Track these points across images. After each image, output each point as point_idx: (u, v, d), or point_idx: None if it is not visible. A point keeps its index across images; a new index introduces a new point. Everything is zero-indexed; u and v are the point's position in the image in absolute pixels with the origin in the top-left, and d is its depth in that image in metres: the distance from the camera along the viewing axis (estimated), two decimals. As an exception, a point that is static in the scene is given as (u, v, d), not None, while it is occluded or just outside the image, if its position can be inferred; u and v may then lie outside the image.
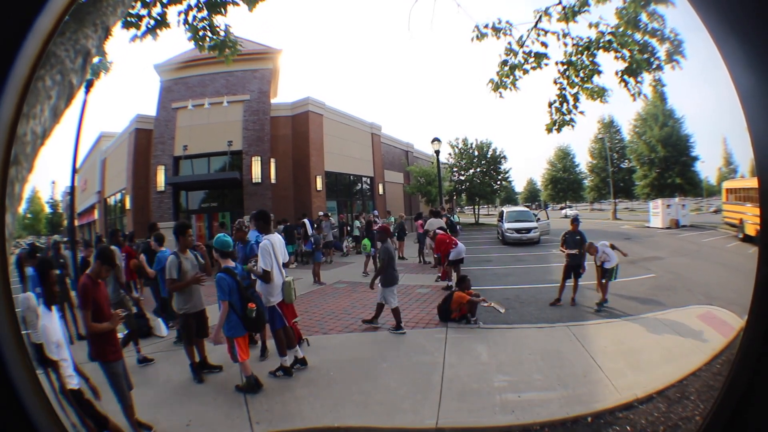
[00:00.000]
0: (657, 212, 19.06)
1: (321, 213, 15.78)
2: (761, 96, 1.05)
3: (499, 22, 6.94)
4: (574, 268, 8.53)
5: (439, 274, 10.68)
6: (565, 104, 7.10)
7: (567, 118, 7.15)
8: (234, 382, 5.41)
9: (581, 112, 7.11)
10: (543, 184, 32.51)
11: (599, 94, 6.87)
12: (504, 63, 7.15)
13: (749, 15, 1.03)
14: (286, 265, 6.29)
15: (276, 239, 5.79)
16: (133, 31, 5.61)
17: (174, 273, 5.50)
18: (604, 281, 8.27)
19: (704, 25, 1.18)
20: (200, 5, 5.98)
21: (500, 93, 7.25)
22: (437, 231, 10.66)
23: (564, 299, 8.47)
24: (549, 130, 7.29)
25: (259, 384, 5.17)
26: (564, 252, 8.64)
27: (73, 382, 3.75)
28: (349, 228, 19.26)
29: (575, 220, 8.82)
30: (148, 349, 6.63)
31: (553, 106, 7.16)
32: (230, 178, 17.00)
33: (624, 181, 26.94)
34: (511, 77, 7.15)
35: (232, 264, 5.25)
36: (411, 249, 15.28)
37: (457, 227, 14.28)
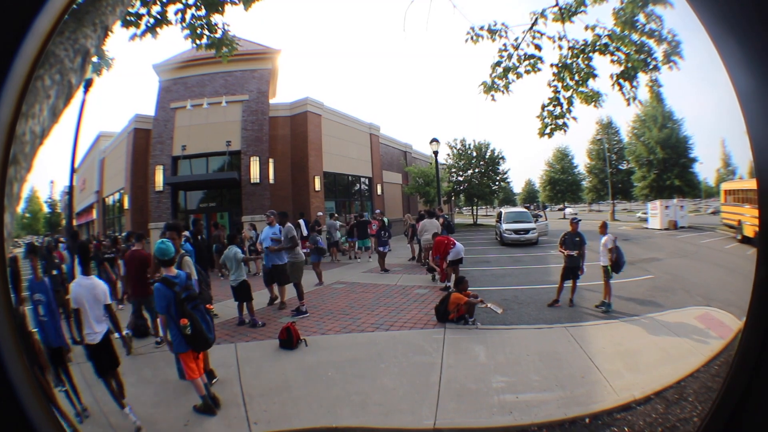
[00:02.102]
0: (655, 213, 19.08)
1: (319, 213, 15.80)
2: (760, 97, 1.05)
3: (495, 24, 6.95)
4: (572, 270, 8.52)
5: (438, 275, 10.67)
6: (558, 108, 7.10)
7: (560, 122, 7.15)
8: (232, 385, 5.41)
9: (574, 117, 7.11)
10: (541, 185, 32.44)
11: (594, 98, 6.88)
12: (497, 65, 7.14)
13: (748, 16, 1.03)
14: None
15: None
16: (132, 29, 5.61)
17: None
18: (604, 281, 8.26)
19: (703, 26, 1.19)
20: (198, 4, 5.99)
21: (492, 96, 7.24)
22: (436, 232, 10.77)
23: (562, 300, 8.47)
24: (541, 134, 7.29)
25: (217, 403, 4.81)
26: (563, 253, 8.64)
27: None
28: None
29: (574, 221, 8.80)
30: (146, 348, 6.63)
31: (546, 109, 7.15)
32: (229, 178, 16.97)
33: (622, 183, 26.94)
34: (504, 80, 7.15)
35: (173, 273, 4.68)
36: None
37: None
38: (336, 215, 16.68)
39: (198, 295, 4.75)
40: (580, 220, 8.86)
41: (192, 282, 4.89)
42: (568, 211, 29.08)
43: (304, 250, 13.81)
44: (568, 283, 8.55)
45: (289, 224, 8.65)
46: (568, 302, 8.45)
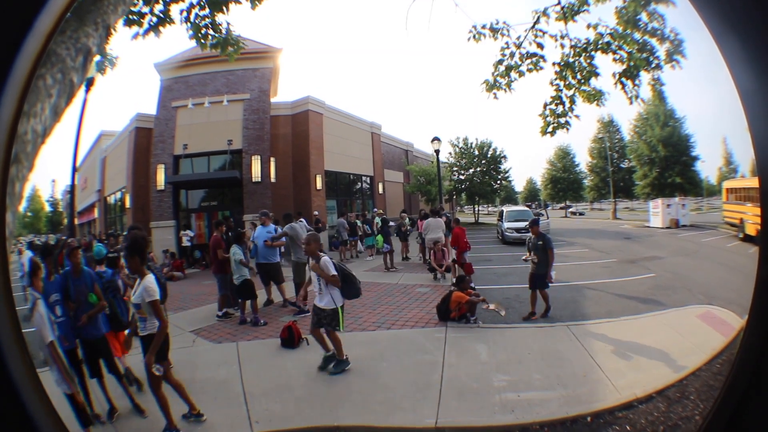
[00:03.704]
0: (657, 212, 19.03)
1: (315, 212, 15.91)
2: (762, 95, 1.05)
3: (497, 23, 6.93)
4: (537, 278, 7.78)
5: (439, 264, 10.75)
6: (560, 106, 7.07)
7: (562, 121, 7.13)
8: (233, 384, 5.42)
9: (576, 116, 7.09)
10: (543, 184, 32.48)
11: (596, 97, 6.85)
12: (499, 63, 7.12)
13: (750, 14, 1.03)
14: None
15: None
16: (135, 28, 5.61)
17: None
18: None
19: (705, 25, 1.18)
20: (202, 3, 5.98)
21: (494, 94, 7.22)
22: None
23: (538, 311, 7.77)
24: (543, 133, 7.27)
25: (132, 379, 5.42)
26: (529, 260, 8.02)
27: None
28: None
29: (535, 223, 8.13)
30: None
31: (548, 107, 7.13)
32: (230, 176, 16.99)
33: (624, 181, 26.94)
34: (506, 78, 7.13)
35: (103, 269, 5.74)
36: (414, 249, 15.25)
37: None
38: (356, 214, 16.73)
39: (117, 287, 5.73)
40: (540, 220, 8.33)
41: (116, 278, 5.81)
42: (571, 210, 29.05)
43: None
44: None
45: (293, 223, 8.99)
46: (543, 313, 7.70)
